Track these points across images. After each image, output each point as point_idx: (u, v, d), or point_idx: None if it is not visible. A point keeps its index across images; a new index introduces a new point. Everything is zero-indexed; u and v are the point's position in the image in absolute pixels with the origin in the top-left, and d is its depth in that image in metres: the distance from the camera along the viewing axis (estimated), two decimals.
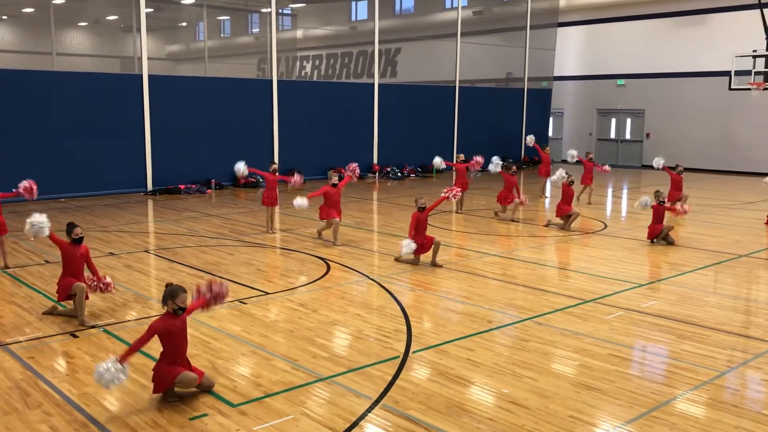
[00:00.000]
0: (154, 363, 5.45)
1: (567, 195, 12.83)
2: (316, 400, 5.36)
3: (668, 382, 5.76)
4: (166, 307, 5.38)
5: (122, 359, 5.12)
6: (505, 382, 5.73)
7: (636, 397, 5.42)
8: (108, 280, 7.59)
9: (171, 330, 5.31)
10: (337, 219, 11.48)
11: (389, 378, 5.76)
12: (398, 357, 6.25)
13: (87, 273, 7.55)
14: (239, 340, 6.69)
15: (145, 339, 5.22)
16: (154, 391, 5.32)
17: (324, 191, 11.46)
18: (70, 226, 7.46)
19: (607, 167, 17.63)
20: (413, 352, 6.38)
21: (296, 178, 12.57)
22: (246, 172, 12.40)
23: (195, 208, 15.62)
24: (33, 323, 7.22)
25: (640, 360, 6.40)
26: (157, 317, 5.50)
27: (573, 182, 12.99)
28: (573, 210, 12.86)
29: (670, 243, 11.57)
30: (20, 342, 6.64)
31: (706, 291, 8.82)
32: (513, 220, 13.87)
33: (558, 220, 13.16)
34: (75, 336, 6.80)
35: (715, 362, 6.21)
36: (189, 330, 7.06)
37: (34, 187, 9.41)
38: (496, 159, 14.97)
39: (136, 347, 5.23)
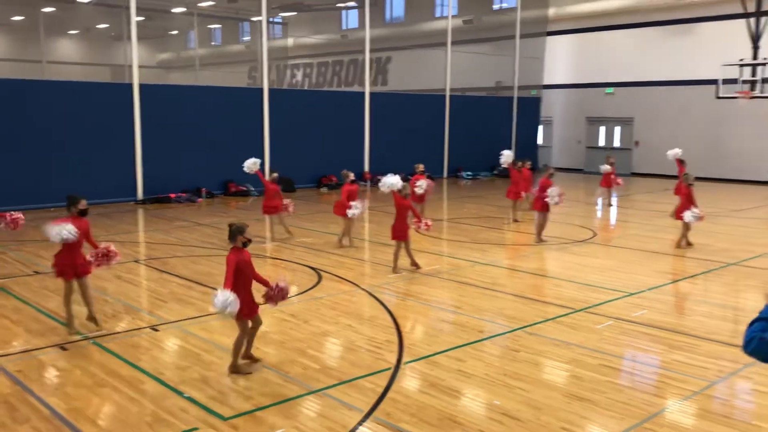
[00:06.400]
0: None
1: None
2: (307, 414, 5.34)
3: (659, 393, 5.78)
4: (234, 243, 5.96)
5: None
6: (496, 393, 5.73)
7: (627, 408, 5.43)
8: (111, 247, 7.23)
9: (244, 260, 5.92)
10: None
11: (381, 390, 5.75)
12: (390, 368, 6.24)
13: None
14: (230, 353, 6.65)
15: (230, 274, 5.75)
16: (238, 318, 5.90)
17: (345, 190, 11.89)
18: (74, 198, 7.01)
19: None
20: (405, 363, 6.37)
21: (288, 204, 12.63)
22: (255, 168, 12.27)
23: (185, 217, 15.56)
24: (21, 336, 7.16)
25: (631, 370, 6.42)
26: (229, 252, 5.98)
27: (553, 175, 12.61)
28: (540, 214, 12.28)
29: (689, 244, 12.27)
30: (8, 355, 6.59)
31: (696, 300, 8.86)
32: (515, 220, 14.27)
33: (543, 238, 12.53)
34: (64, 349, 6.75)
35: (705, 372, 6.24)
36: (178, 342, 7.10)
37: (20, 221, 8.40)
38: (507, 152, 15.31)
39: (229, 285, 5.70)
